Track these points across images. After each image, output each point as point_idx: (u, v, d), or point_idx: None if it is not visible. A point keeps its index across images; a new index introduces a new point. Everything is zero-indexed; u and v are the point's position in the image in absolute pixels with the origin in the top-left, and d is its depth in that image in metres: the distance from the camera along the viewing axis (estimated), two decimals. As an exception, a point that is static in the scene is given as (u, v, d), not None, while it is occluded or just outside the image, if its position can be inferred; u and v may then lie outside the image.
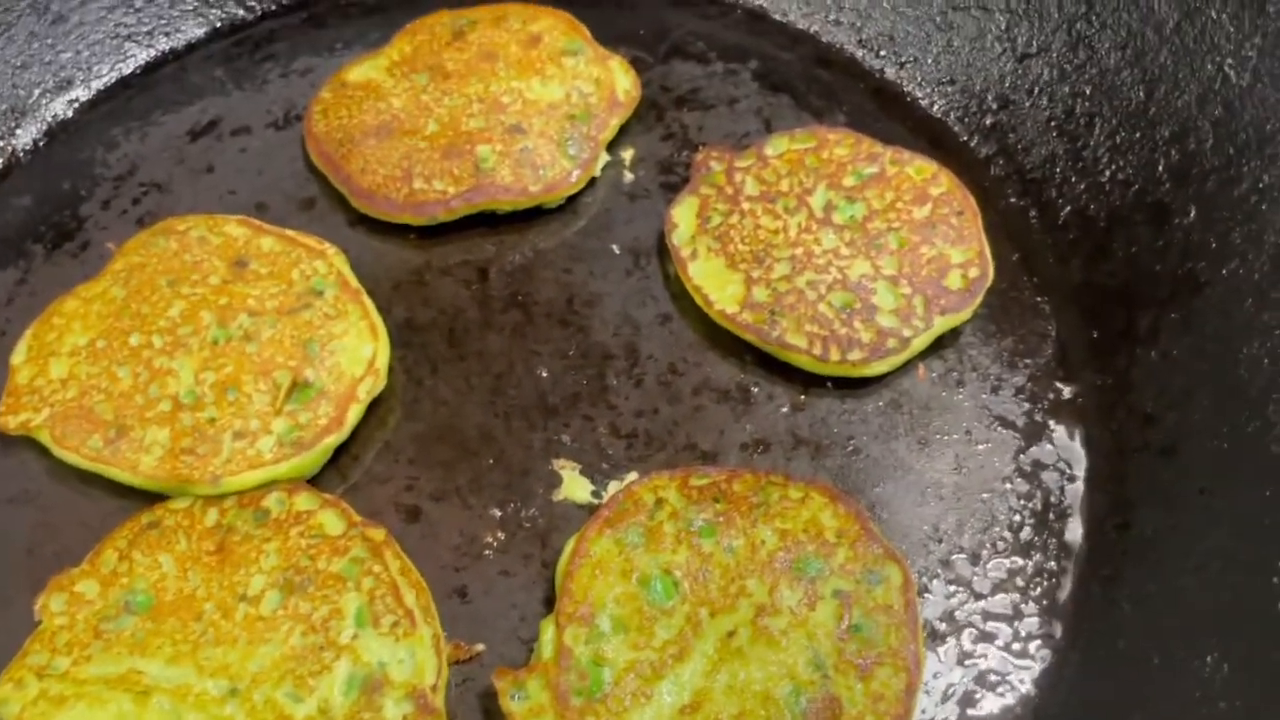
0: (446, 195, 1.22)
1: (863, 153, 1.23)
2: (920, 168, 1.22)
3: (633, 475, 1.06)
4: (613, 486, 1.05)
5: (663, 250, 1.21)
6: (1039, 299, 1.17)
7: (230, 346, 1.09)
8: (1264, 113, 1.03)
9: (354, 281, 1.16)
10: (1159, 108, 1.13)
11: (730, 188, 1.22)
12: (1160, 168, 1.12)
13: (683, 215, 1.21)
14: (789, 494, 1.00)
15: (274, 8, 1.44)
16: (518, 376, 1.13)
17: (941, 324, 1.11)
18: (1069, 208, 1.20)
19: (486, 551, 1.02)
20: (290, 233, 1.19)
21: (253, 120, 1.34)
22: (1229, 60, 1.07)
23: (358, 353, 1.10)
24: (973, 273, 1.14)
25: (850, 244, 1.16)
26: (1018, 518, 1.03)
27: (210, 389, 1.07)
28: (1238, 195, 1.04)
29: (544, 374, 1.13)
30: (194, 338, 1.10)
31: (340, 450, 1.07)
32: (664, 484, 1.01)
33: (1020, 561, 1.01)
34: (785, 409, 1.11)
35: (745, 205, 1.20)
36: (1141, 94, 1.15)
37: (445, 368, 1.14)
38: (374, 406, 1.10)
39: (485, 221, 1.24)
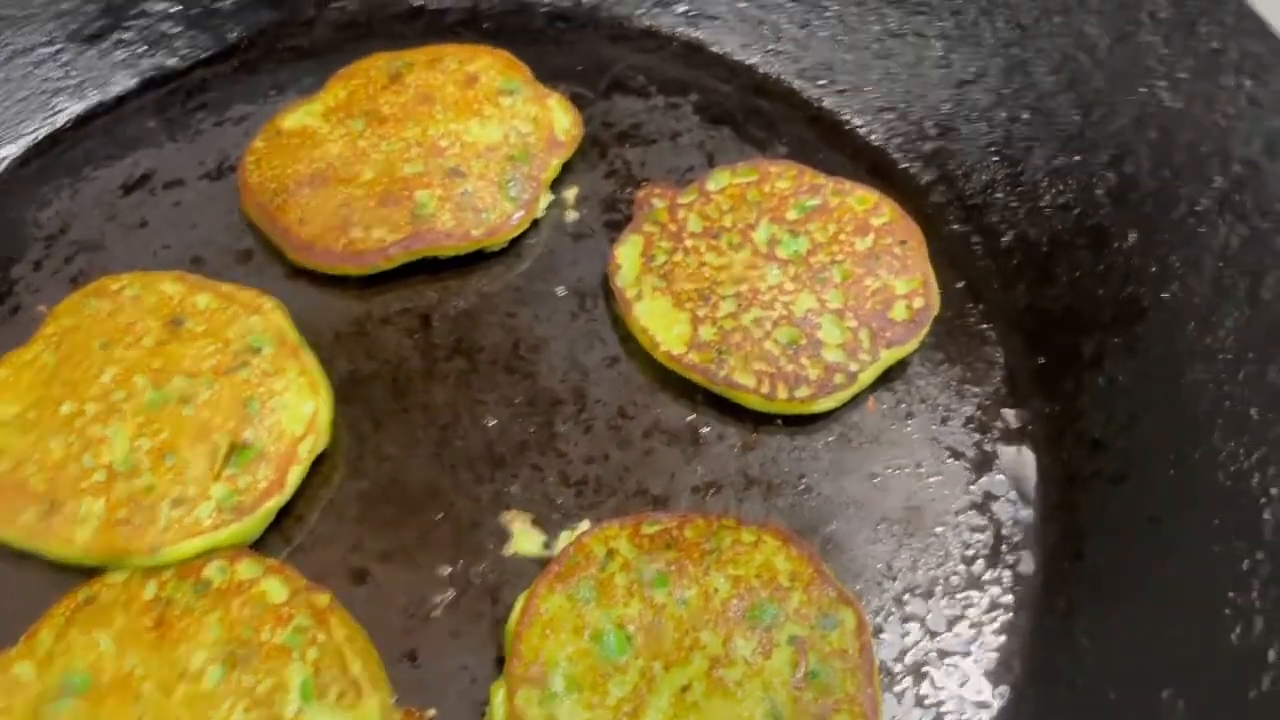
0: (385, 243, 1.20)
1: (804, 184, 1.23)
2: (862, 198, 1.21)
3: (584, 524, 1.04)
4: (564, 537, 1.04)
5: (609, 291, 1.20)
6: (985, 326, 1.17)
7: (166, 410, 1.06)
8: (1198, 135, 1.04)
9: (293, 336, 1.14)
10: (1096, 131, 1.14)
11: (674, 225, 1.21)
12: (1099, 191, 1.12)
13: (626, 255, 1.20)
14: (741, 538, 0.99)
15: (206, 56, 1.42)
16: (464, 427, 1.11)
17: (888, 357, 1.11)
18: (1011, 233, 1.20)
19: (436, 612, 1.00)
20: (226, 287, 1.17)
21: (186, 172, 1.31)
22: (1162, 83, 1.07)
23: (298, 410, 1.08)
24: (918, 303, 1.13)
25: (795, 279, 1.15)
26: (971, 551, 1.03)
27: (146, 455, 1.04)
28: (1175, 218, 1.05)
29: (491, 423, 1.11)
30: (128, 403, 1.07)
31: (284, 512, 1.05)
32: (615, 534, 1.00)
33: (975, 596, 1.00)
34: (736, 449, 1.10)
35: (689, 242, 1.19)
36: (1078, 118, 1.15)
37: (389, 421, 1.12)
38: (317, 465, 1.07)
39: (427, 268, 1.22)
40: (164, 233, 1.26)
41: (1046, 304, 1.14)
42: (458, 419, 1.12)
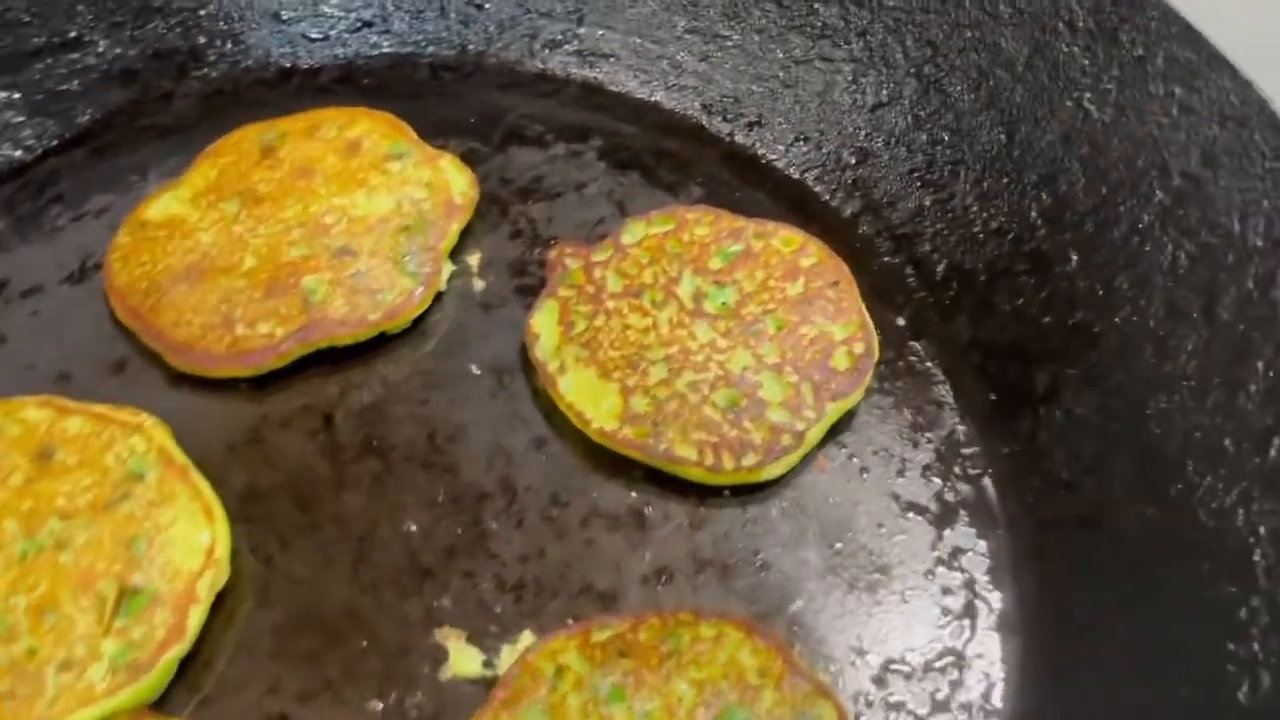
0: (275, 338, 1.08)
1: (724, 229, 1.15)
2: (787, 239, 1.14)
3: (526, 635, 0.95)
4: (506, 653, 0.94)
5: (528, 364, 1.10)
6: (929, 364, 1.10)
7: (42, 559, 0.94)
8: (1132, 149, 0.98)
9: (179, 456, 1.02)
10: (1023, 150, 1.08)
11: (591, 286, 1.12)
12: (1033, 213, 1.07)
13: (543, 324, 1.10)
14: (701, 634, 0.90)
15: (55, 143, 1.29)
16: (382, 537, 1.01)
17: (834, 411, 1.03)
18: (944, 262, 1.13)
19: (371, 757, 0.89)
20: (100, 408, 1.04)
21: (44, 276, 1.18)
22: (1087, 95, 1.02)
23: (192, 542, 0.96)
24: (858, 349, 1.06)
25: (727, 334, 1.07)
26: (945, 615, 0.96)
27: (24, 615, 0.91)
28: (1117, 238, 0.99)
29: (412, 529, 1.01)
30: (-4, 556, 0.94)
31: (188, 659, 0.93)
32: (562, 646, 0.90)
33: (956, 665, 0.93)
34: (684, 528, 1.01)
35: (610, 304, 1.11)
36: (1002, 136, 1.10)
37: (298, 540, 1.01)
38: (220, 600, 0.96)
39: (324, 359, 1.11)
40: (24, 349, 1.13)
41: (991, 335, 1.08)
42: (375, 529, 1.01)
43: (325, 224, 1.15)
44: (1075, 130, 1.03)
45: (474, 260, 1.19)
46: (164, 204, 1.19)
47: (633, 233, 1.16)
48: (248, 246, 1.14)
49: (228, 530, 0.99)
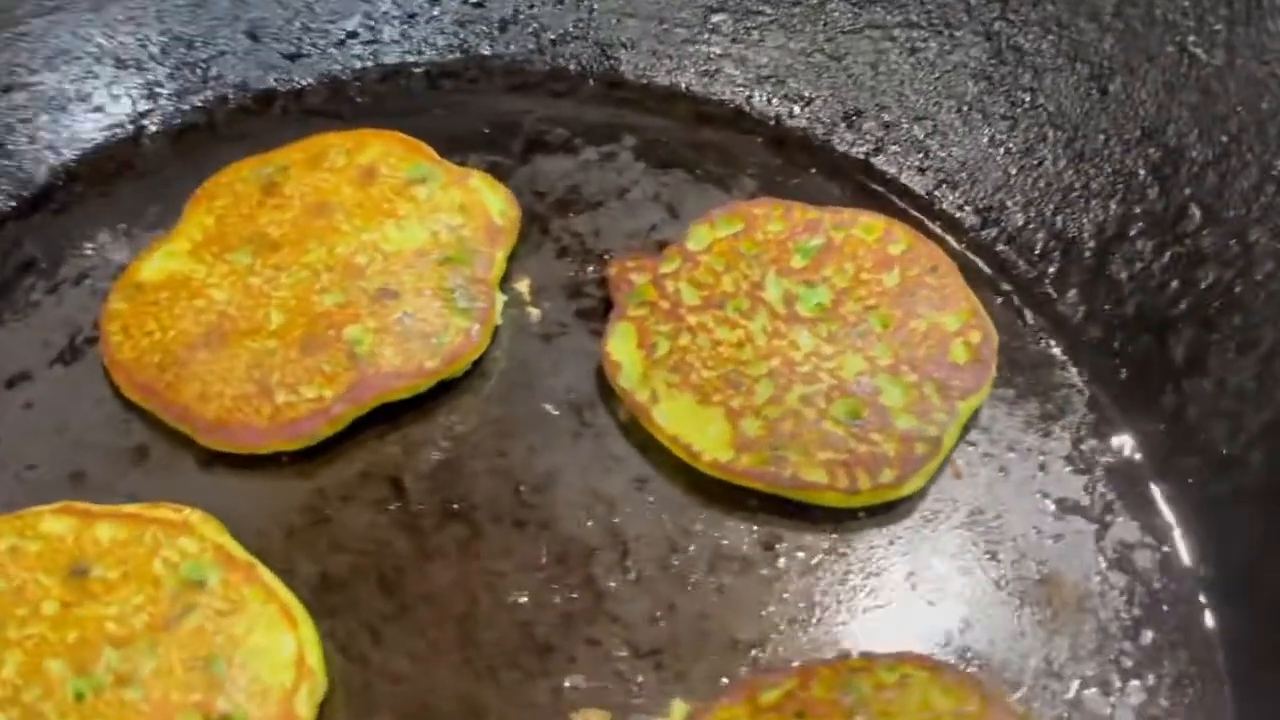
0: (324, 402, 0.95)
1: (798, 223, 1.05)
2: (868, 225, 1.04)
3: (678, 707, 0.83)
4: (661, 730, 0.83)
5: (606, 393, 0.99)
6: (1048, 346, 1.02)
7: (105, 701, 0.79)
8: (1253, 91, 0.91)
9: (240, 553, 0.88)
10: (1119, 104, 1.00)
11: (665, 301, 1.01)
12: (1141, 171, 0.99)
13: (622, 350, 0.99)
14: (881, 679, 0.81)
15: (12, 205, 1.12)
16: (486, 612, 0.88)
17: (965, 409, 0.94)
18: (1042, 232, 1.05)
19: None
20: (131, 507, 0.90)
21: (30, 360, 1.02)
22: (1191, 38, 0.94)
23: (277, 652, 0.83)
24: (974, 337, 0.97)
25: (830, 338, 0.97)
26: (1129, 619, 0.88)
27: (93, 770, 0.77)
28: (1247, 186, 0.92)
29: (520, 599, 0.89)
30: (48, 702, 0.79)
31: (293, 790, 0.80)
32: (729, 716, 0.80)
33: (1154, 675, 0.85)
34: (823, 558, 0.91)
35: (691, 319, 1.00)
36: (1094, 91, 1.01)
37: (391, 629, 0.88)
38: (319, 713, 0.83)
39: (377, 417, 0.98)
40: (22, 448, 0.97)
41: (1110, 307, 1.00)
42: (475, 604, 0.89)
43: (357, 264, 1.02)
44: (1180, 77, 0.96)
45: (524, 286, 1.07)
46: (159, 261, 1.04)
47: (698, 238, 1.05)
48: (271, 300, 1.00)
49: (314, 631, 0.85)
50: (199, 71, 1.19)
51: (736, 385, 0.95)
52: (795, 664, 0.84)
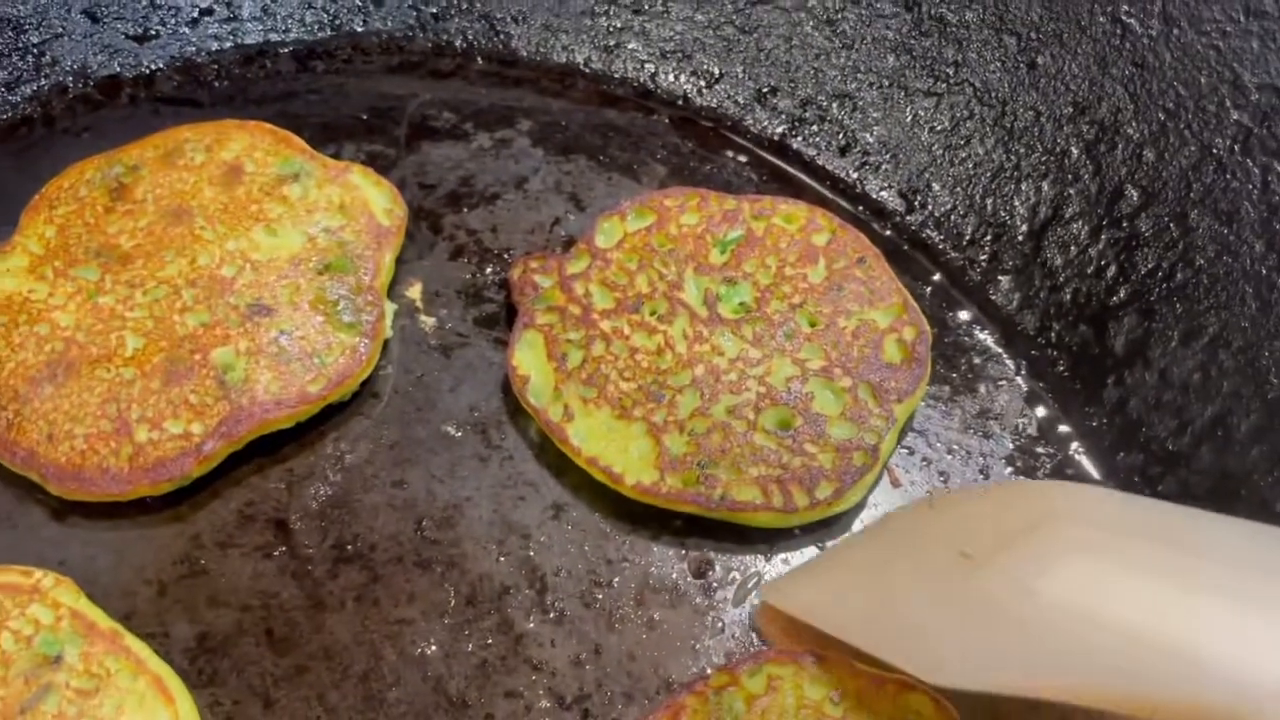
0: (193, 438, 0.84)
1: (715, 214, 0.97)
2: (789, 214, 0.97)
3: (610, 759, 0.76)
4: (595, 789, 0.75)
5: (514, 410, 0.90)
6: (980, 337, 0.96)
7: (-59, 812, 0.68)
8: (1191, 64, 0.86)
9: (102, 619, 0.77)
10: (1049, 77, 0.94)
11: (575, 306, 0.92)
12: (1074, 149, 0.93)
13: (529, 361, 0.90)
14: (749, 689, 0.75)
15: None
16: (392, 667, 0.79)
17: (903, 412, 0.88)
18: (971, 216, 0.99)
19: None
20: (-28, 573, 0.78)
21: None
22: (1124, 7, 0.88)
23: (152, 734, 0.72)
24: (908, 334, 0.91)
25: (756, 341, 0.90)
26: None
27: None
28: (1185, 166, 0.87)
29: (429, 650, 0.80)
30: (-128, 820, 0.68)
31: None
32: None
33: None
34: (758, 582, 0.84)
35: (604, 325, 0.91)
36: (1021, 65, 0.95)
37: (283, 692, 0.78)
38: (202, 800, 0.73)
39: (258, 449, 0.87)
40: None
41: (1044, 295, 0.95)
42: (379, 658, 0.79)
43: (223, 278, 0.90)
44: (1114, 50, 0.90)
45: (415, 293, 0.97)
46: (-7, 280, 0.91)
47: (607, 233, 0.96)
48: (125, 323, 0.88)
49: (193, 705, 0.75)
50: (30, 58, 1.05)
51: (658, 397, 0.87)
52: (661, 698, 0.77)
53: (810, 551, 0.85)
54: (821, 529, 0.86)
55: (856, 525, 0.86)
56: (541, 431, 0.88)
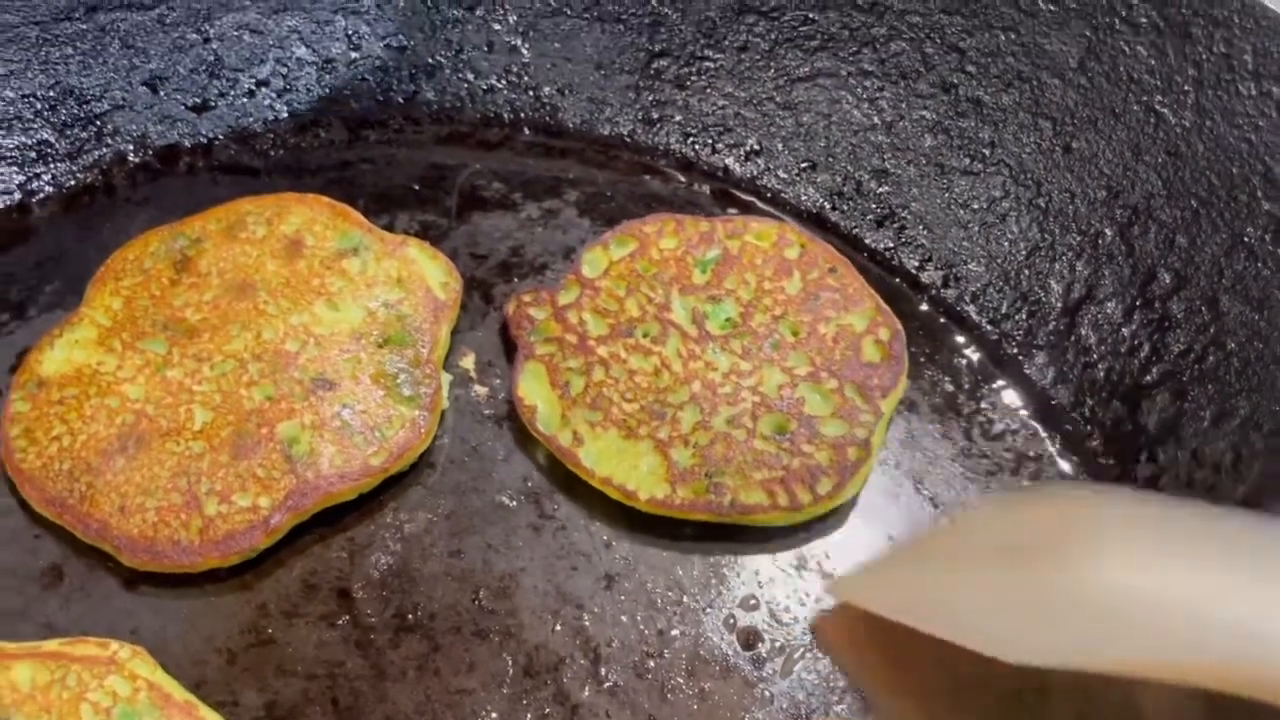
0: (261, 511, 0.87)
1: (692, 236, 1.03)
2: (760, 231, 1.04)
3: (666, 832, 0.79)
4: None
5: (569, 480, 0.93)
6: (1016, 408, 0.99)
7: None
8: (1223, 154, 0.89)
9: (177, 690, 0.80)
10: (1083, 160, 0.97)
11: (572, 335, 0.97)
12: (1108, 230, 0.96)
13: (534, 391, 0.95)
14: None
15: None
16: (455, 737, 0.82)
17: (889, 406, 0.95)
18: (1007, 291, 1.02)
19: None
20: (50, 645, 0.80)
21: (-86, 472, 0.91)
22: (1159, 98, 0.92)
23: (228, 807, 0.75)
24: (883, 334, 0.98)
25: (745, 353, 0.96)
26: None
27: None
28: (1218, 252, 0.90)
29: (490, 718, 0.83)
30: None
31: None
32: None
33: None
34: (804, 651, 0.87)
35: (602, 351, 0.96)
36: (1057, 147, 0.99)
37: (352, 762, 0.81)
38: None
39: (321, 522, 0.90)
40: (-88, 579, 0.86)
41: (1078, 370, 0.98)
42: (441, 727, 0.82)
43: (287, 352, 0.93)
44: (1147, 138, 0.93)
45: (468, 363, 1.00)
46: (62, 352, 0.94)
47: (592, 263, 1.01)
48: (194, 396, 0.91)
49: (267, 778, 0.78)
50: (93, 128, 1.08)
51: (660, 415, 0.92)
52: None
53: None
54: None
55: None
56: (548, 455, 0.93)
